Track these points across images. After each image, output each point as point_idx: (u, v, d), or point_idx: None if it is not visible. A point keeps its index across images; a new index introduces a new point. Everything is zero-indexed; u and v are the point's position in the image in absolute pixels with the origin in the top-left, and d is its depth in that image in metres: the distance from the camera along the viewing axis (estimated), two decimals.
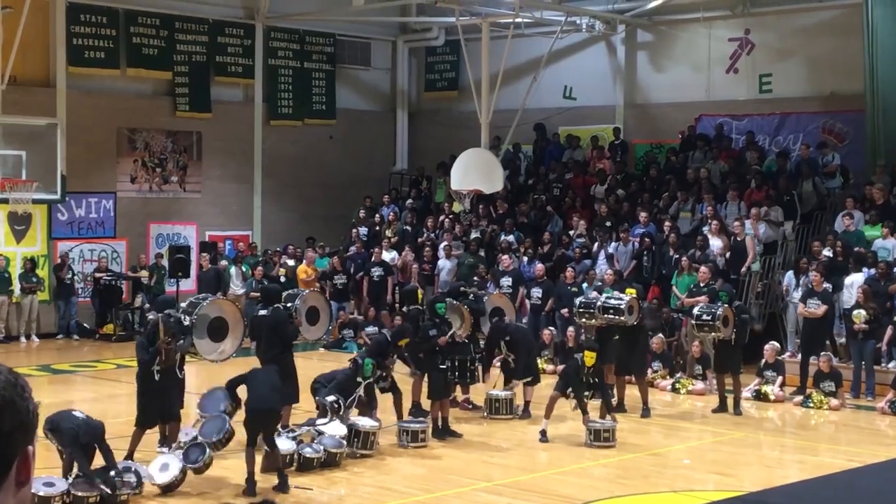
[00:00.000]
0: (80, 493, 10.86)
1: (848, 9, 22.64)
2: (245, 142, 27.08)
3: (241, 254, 24.95)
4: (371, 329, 13.96)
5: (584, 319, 17.14)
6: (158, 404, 12.40)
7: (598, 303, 16.44)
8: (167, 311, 12.73)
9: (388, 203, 26.71)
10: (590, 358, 14.25)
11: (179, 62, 25.82)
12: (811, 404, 17.00)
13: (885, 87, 21.87)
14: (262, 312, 14.08)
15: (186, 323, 12.97)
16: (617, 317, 16.19)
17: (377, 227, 25.73)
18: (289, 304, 14.93)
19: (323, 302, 15.47)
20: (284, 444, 12.47)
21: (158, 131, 25.87)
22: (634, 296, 16.38)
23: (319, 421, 13.33)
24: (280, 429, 12.82)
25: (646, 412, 16.12)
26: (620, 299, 16.32)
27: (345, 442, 12.98)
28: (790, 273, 19.66)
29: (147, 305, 23.83)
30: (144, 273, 24.43)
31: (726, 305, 16.53)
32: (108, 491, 10.85)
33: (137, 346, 12.78)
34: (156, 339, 12.28)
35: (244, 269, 23.98)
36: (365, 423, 13.41)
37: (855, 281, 18.43)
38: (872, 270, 18.55)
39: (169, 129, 25.99)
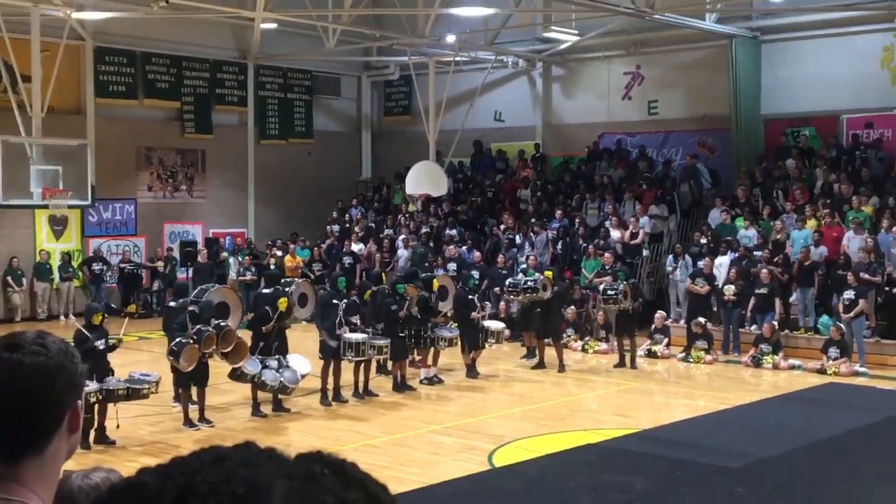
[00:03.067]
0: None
1: (717, 49, 22.86)
2: (240, 157, 26.86)
3: (238, 247, 24.77)
4: (344, 304, 13.99)
5: (511, 296, 17.21)
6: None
7: (521, 285, 16.52)
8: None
9: (355, 205, 26.62)
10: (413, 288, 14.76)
11: (186, 94, 25.55)
12: (690, 359, 17.20)
13: (745, 110, 22.17)
14: (266, 291, 14.01)
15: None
16: (535, 294, 16.29)
17: (347, 225, 25.63)
18: (287, 289, 14.99)
19: (311, 290, 15.45)
20: (251, 365, 12.36)
21: (170, 149, 25.59)
22: (549, 276, 16.46)
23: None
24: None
25: (561, 368, 16.22)
26: (536, 280, 16.41)
27: (301, 378, 12.85)
28: (670, 257, 19.88)
29: (162, 287, 23.67)
30: (160, 263, 24.18)
31: (626, 282, 16.65)
32: None
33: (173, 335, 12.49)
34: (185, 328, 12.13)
35: (240, 259, 23.82)
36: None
37: (723, 262, 18.64)
38: (736, 254, 18.76)
39: (178, 148, 25.72)
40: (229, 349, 12.03)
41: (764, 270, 17.50)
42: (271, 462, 1.13)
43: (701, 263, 18.51)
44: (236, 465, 1.12)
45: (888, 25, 20.62)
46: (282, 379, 12.53)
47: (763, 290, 17.48)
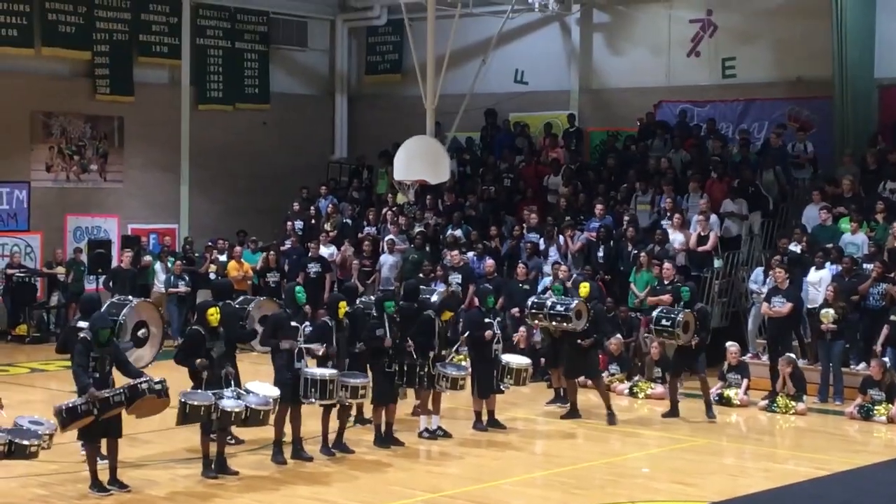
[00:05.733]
0: None
1: None
2: (171, 128, 26.86)
3: (166, 248, 24.72)
4: (308, 329, 13.81)
5: (536, 321, 17.13)
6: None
7: (548, 307, 16.43)
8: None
9: (325, 194, 26.61)
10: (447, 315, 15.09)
11: (99, 41, 25.56)
12: (776, 409, 17.17)
13: (854, 72, 22.10)
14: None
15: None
16: (565, 323, 16.22)
17: (313, 221, 25.61)
18: (246, 307, 15.01)
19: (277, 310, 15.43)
20: (200, 396, 12.35)
21: (76, 116, 25.60)
22: (583, 298, 16.33)
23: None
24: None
25: (612, 419, 16.13)
26: (567, 304, 16.29)
27: (272, 402, 12.83)
28: (759, 270, 19.74)
29: (63, 301, 23.62)
30: (61, 269, 24.15)
31: (687, 310, 16.53)
32: None
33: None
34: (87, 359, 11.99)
35: (170, 264, 23.76)
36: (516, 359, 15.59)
37: (822, 278, 18.60)
38: (837, 267, 18.72)
39: (88, 114, 25.74)
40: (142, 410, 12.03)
41: None
42: None
43: (774, 273, 18.38)
44: None
45: None
46: (247, 404, 12.49)
47: None
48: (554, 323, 16.39)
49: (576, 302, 16.26)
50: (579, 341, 16.16)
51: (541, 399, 17.72)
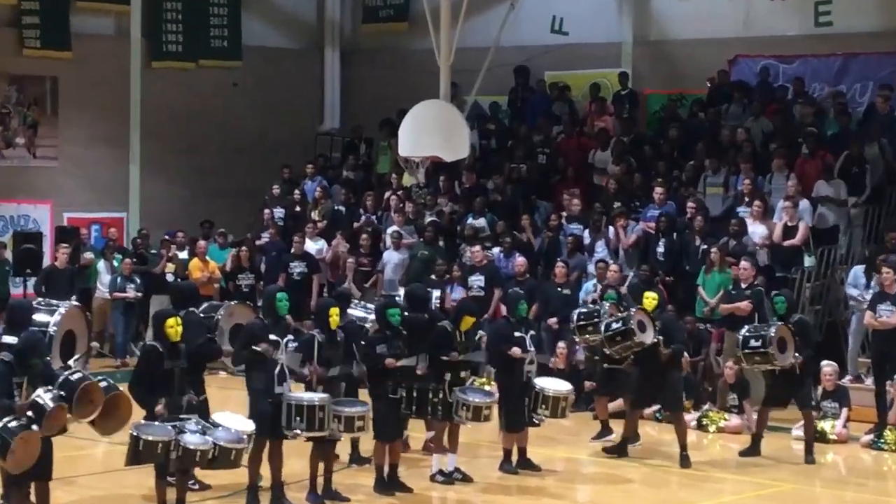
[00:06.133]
0: None
1: None
2: (118, 91, 26.90)
3: (112, 242, 24.73)
4: (292, 344, 13.80)
5: (586, 335, 17.04)
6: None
7: (600, 328, 16.29)
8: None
9: (312, 174, 26.65)
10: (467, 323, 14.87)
11: None
12: (884, 445, 17.12)
13: None
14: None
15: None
16: (628, 341, 16.07)
17: (298, 208, 25.63)
18: (214, 315, 15.02)
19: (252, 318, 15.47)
20: (159, 430, 12.21)
21: None
22: (643, 307, 16.19)
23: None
24: None
25: (685, 461, 16.00)
26: (625, 317, 16.09)
27: (245, 438, 12.77)
28: (857, 269, 19.70)
29: None
30: None
31: (780, 323, 16.41)
32: None
33: None
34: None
35: (116, 263, 23.77)
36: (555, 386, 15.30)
37: None
38: None
39: (13, 73, 25.85)
40: (96, 413, 11.98)
41: None
42: None
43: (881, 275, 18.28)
44: None
45: None
46: (214, 440, 12.41)
47: None
48: (617, 347, 16.09)
49: (633, 310, 16.15)
50: (660, 348, 15.94)
51: (585, 433, 17.70)
